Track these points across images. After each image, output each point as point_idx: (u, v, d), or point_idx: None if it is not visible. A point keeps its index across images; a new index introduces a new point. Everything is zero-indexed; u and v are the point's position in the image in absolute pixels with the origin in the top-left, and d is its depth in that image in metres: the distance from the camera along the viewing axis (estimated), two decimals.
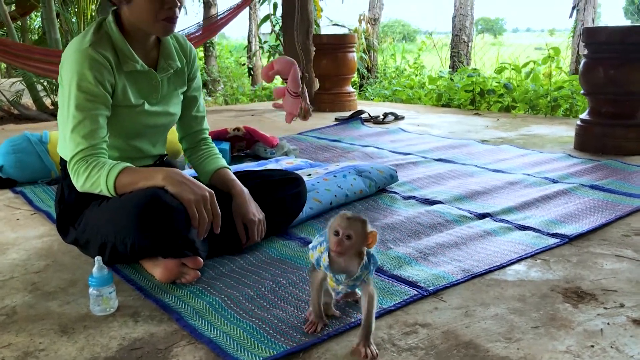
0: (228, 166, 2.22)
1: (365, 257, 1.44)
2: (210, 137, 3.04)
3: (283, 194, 2.24)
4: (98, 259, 1.66)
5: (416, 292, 1.74)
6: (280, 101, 3.74)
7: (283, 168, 2.94)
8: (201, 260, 1.87)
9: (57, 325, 1.61)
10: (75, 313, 1.67)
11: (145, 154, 2.11)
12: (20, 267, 2.03)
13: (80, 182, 1.83)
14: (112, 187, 1.79)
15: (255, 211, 2.09)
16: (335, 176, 2.66)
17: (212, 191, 1.81)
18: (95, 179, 1.81)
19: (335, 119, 5.27)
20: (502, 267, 1.94)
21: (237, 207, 2.08)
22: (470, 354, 1.42)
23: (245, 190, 2.12)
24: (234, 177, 2.17)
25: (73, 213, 1.99)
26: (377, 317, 1.52)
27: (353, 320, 1.58)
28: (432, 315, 1.62)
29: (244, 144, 3.75)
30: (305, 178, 2.69)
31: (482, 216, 2.43)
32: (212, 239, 2.01)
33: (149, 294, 1.77)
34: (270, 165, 3.13)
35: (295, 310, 1.64)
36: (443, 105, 6.93)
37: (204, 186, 1.80)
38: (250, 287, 1.78)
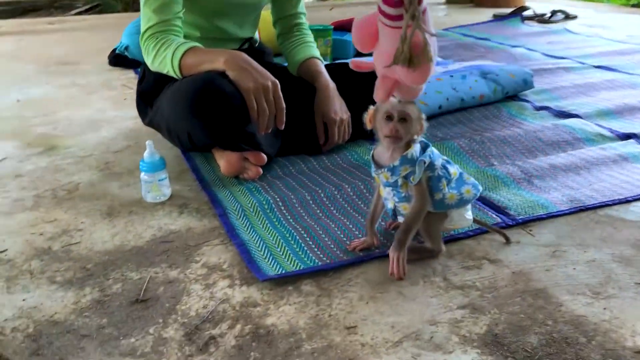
0: (319, 56, 1.98)
1: (414, 150, 1.18)
2: (335, 26, 2.79)
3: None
4: (149, 143, 1.57)
5: (499, 220, 1.43)
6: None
7: None
8: (264, 156, 1.70)
9: (106, 207, 1.57)
10: (129, 197, 1.62)
11: (230, 36, 1.94)
12: (103, 145, 2.03)
13: (149, 60, 1.73)
14: (177, 68, 1.66)
15: (339, 109, 1.85)
16: (452, 76, 2.29)
17: (277, 81, 1.59)
18: (162, 58, 1.68)
19: (494, 15, 4.69)
20: (625, 201, 1.53)
21: (318, 102, 1.86)
22: (536, 305, 1.12)
23: (332, 84, 1.88)
24: (321, 68, 1.93)
25: (150, 94, 1.91)
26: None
27: None
28: (509, 250, 1.32)
29: None
30: None
31: (625, 137, 1.96)
32: (289, 136, 1.84)
33: (206, 186, 1.66)
34: None
35: (347, 223, 1.43)
36: (634, 6, 5.86)
37: (269, 74, 1.60)
38: (309, 191, 1.59)
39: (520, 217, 1.45)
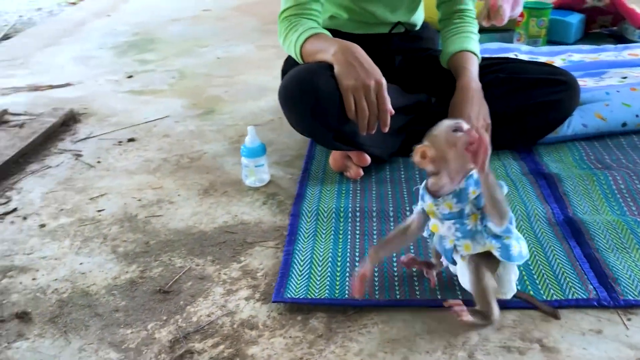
0: (472, 50, 1.75)
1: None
2: (557, 5, 2.51)
3: (532, 100, 1.68)
4: (250, 127, 1.58)
5: (593, 294, 1.13)
6: None
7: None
8: (366, 157, 1.60)
9: (208, 183, 1.64)
10: (234, 177, 1.66)
11: (380, 20, 1.82)
12: (251, 116, 2.10)
13: (281, 42, 1.72)
14: (299, 55, 1.62)
15: (475, 115, 1.63)
16: None
17: (382, 80, 1.45)
18: (289, 42, 1.66)
19: None
20: None
21: (453, 103, 1.67)
22: None
23: (475, 85, 1.66)
24: (470, 64, 1.71)
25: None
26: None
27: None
28: (579, 339, 1.04)
29: (610, 18, 2.91)
30: (602, 82, 1.96)
31: None
32: (414, 135, 1.69)
33: (305, 179, 1.62)
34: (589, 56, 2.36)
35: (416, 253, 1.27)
36: None
37: (377, 73, 1.46)
38: (398, 204, 1.44)
39: (628, 298, 1.12)
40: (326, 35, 1.60)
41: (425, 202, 1.05)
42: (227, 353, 1.03)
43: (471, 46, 1.75)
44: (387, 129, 1.50)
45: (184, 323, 1.11)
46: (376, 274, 1.20)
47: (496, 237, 1.01)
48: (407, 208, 1.44)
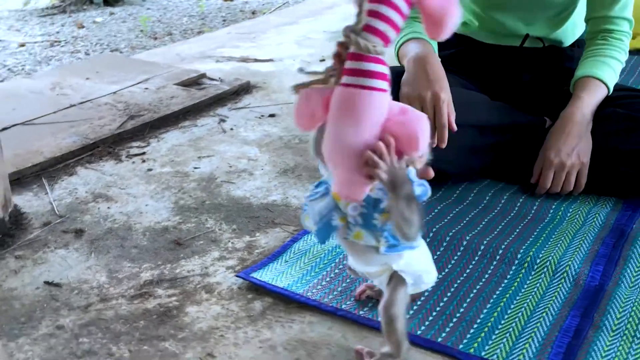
0: (600, 77, 1.55)
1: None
2: None
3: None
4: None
5: None
6: None
7: None
8: (430, 171, 1.55)
9: (293, 165, 1.79)
10: (308, 165, 1.77)
11: (510, 31, 1.72)
12: None
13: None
14: (396, 56, 1.66)
15: (566, 151, 1.47)
16: None
17: (442, 94, 1.40)
18: (394, 44, 1.70)
19: None
20: None
21: (550, 132, 1.53)
22: None
23: (579, 117, 1.50)
24: (587, 93, 1.54)
25: None
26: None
27: None
28: None
29: None
30: None
31: None
32: (510, 157, 1.61)
33: None
34: None
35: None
36: None
37: (439, 86, 1.42)
38: (443, 236, 1.38)
39: None
40: (423, 41, 1.58)
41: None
42: (171, 304, 1.19)
43: (600, 73, 1.54)
44: (443, 145, 1.44)
45: (167, 271, 1.30)
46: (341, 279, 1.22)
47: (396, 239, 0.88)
48: (453, 235, 1.36)
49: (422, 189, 0.85)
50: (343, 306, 1.15)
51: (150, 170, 1.77)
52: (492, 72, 1.74)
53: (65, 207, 1.57)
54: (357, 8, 0.76)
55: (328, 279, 1.22)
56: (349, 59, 0.77)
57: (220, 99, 2.34)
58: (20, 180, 1.71)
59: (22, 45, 3.74)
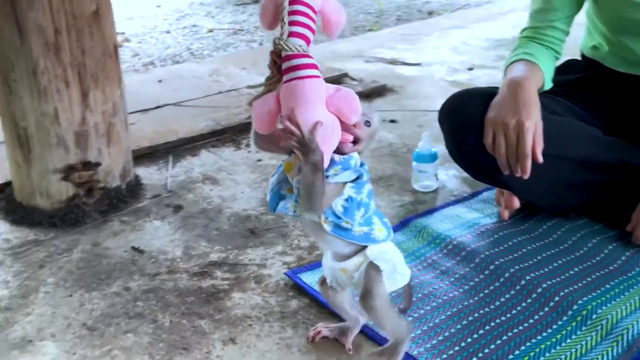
0: None
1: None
2: None
3: None
4: (425, 134, 1.67)
5: None
6: None
7: None
8: (515, 201, 1.50)
9: (389, 173, 1.81)
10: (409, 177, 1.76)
11: (638, 58, 1.57)
12: None
13: None
14: (503, 76, 1.61)
15: None
16: None
17: (527, 122, 1.33)
18: (505, 63, 1.65)
19: None
20: None
21: None
22: None
23: None
24: None
25: None
26: None
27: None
28: None
29: None
30: None
31: None
32: (605, 195, 1.49)
33: (457, 200, 1.63)
34: None
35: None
36: None
37: (528, 112, 1.34)
38: (508, 276, 1.31)
39: None
40: (530, 64, 1.50)
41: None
42: (222, 287, 1.31)
43: None
44: (525, 175, 1.37)
45: (232, 256, 1.42)
46: None
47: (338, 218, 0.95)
48: (514, 272, 1.30)
49: (353, 174, 0.96)
50: (370, 323, 1.16)
51: (259, 160, 1.91)
52: (615, 103, 1.58)
53: (176, 184, 1.77)
54: (280, 23, 0.91)
55: None
56: (284, 61, 0.92)
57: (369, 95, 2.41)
58: (152, 154, 1.96)
59: (211, 31, 4.15)
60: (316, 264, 1.34)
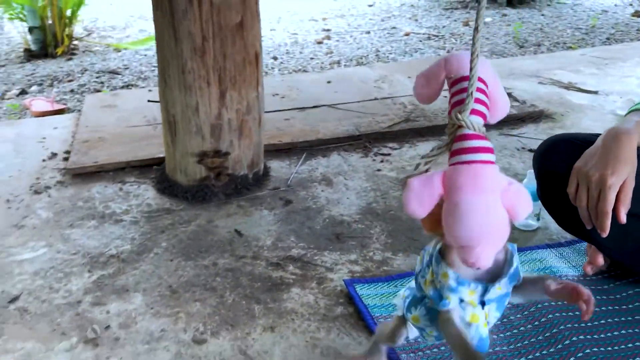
0: None
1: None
2: None
3: None
4: (530, 171, 1.65)
5: None
6: None
7: None
8: (599, 258, 1.42)
9: None
10: None
11: None
12: None
13: None
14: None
15: None
16: None
17: (610, 180, 1.25)
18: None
19: None
20: None
21: None
22: None
23: None
24: None
25: None
26: None
27: None
28: None
29: None
30: None
31: None
32: None
33: (549, 245, 1.59)
34: None
35: None
36: None
37: (621, 169, 1.25)
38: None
39: None
40: None
41: (451, 292, 0.88)
42: (287, 281, 1.47)
43: None
44: (604, 234, 1.31)
45: (309, 255, 1.57)
46: None
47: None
48: (574, 342, 1.26)
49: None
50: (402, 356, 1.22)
51: (378, 170, 2.02)
52: None
53: (297, 180, 1.97)
54: (467, 96, 0.84)
55: None
56: (458, 140, 0.84)
57: (500, 122, 2.36)
58: (290, 150, 2.18)
59: (407, 34, 4.27)
60: (376, 279, 1.43)
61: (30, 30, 4.08)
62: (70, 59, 3.96)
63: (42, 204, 1.86)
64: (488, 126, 0.88)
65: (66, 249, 1.63)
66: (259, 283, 1.47)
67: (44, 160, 2.17)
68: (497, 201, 0.81)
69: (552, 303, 1.32)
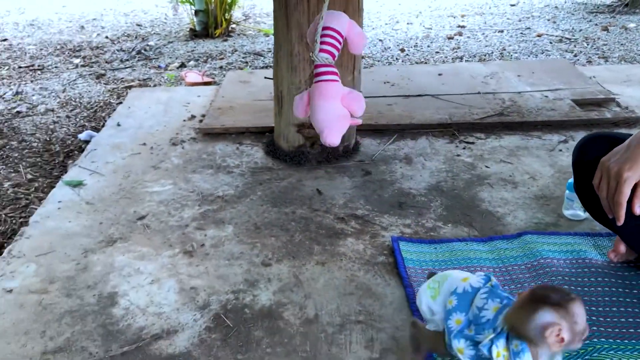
0: None
1: None
2: None
3: None
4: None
5: None
6: None
7: None
8: (621, 248, 1.57)
9: (546, 193, 1.98)
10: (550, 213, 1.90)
11: None
12: None
13: None
14: None
15: None
16: None
17: (625, 174, 1.38)
18: None
19: None
20: None
21: None
22: None
23: None
24: None
25: None
26: None
27: None
28: None
29: None
30: None
31: None
32: None
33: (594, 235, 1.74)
34: None
35: None
36: None
37: (629, 166, 1.41)
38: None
39: None
40: None
41: None
42: (347, 231, 1.78)
43: None
44: (619, 223, 1.47)
45: (371, 215, 1.86)
46: None
47: None
48: None
49: None
50: None
51: (458, 155, 2.25)
52: None
53: (382, 156, 2.26)
54: (312, 41, 1.28)
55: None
56: (314, 69, 1.28)
57: (592, 124, 2.46)
58: (383, 131, 2.46)
59: (539, 35, 4.31)
60: (420, 240, 1.69)
61: (196, 13, 4.72)
62: (225, 40, 4.53)
63: (176, 153, 2.34)
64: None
65: (186, 187, 2.07)
66: (324, 230, 1.79)
67: (184, 121, 2.66)
68: (336, 103, 1.26)
69: (572, 276, 1.49)
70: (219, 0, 4.60)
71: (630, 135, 1.55)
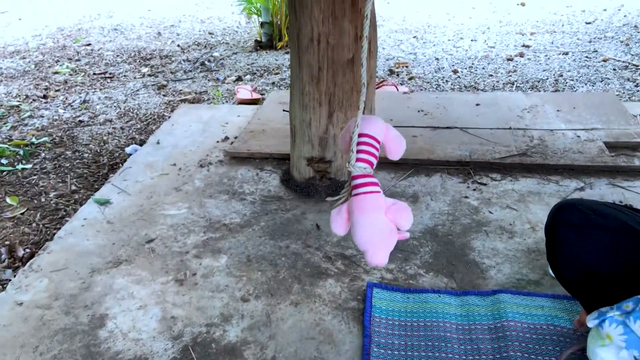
0: None
1: None
2: None
3: None
4: None
5: None
6: None
7: None
8: (583, 318, 1.56)
9: None
10: None
11: None
12: None
13: None
14: None
15: None
16: None
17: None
18: None
19: None
20: None
21: None
22: None
23: None
24: None
25: None
26: None
27: None
28: None
29: None
30: None
31: None
32: None
33: None
34: None
35: None
36: None
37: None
38: None
39: None
40: None
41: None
42: (330, 272, 1.86)
43: None
44: None
45: (357, 257, 1.93)
46: None
47: None
48: None
49: None
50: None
51: (465, 197, 2.26)
52: None
53: (389, 192, 2.30)
54: (346, 150, 1.22)
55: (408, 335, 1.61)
56: (352, 180, 1.21)
57: (617, 172, 2.39)
58: (400, 165, 2.50)
59: (605, 60, 4.13)
60: (395, 288, 1.75)
61: (262, 25, 4.90)
62: (287, 53, 4.68)
63: (200, 176, 2.50)
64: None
65: (198, 212, 2.23)
66: (309, 269, 1.88)
67: (217, 142, 2.82)
68: (380, 216, 1.14)
69: (526, 343, 1.50)
70: (283, 13, 4.75)
71: (612, 205, 1.51)
